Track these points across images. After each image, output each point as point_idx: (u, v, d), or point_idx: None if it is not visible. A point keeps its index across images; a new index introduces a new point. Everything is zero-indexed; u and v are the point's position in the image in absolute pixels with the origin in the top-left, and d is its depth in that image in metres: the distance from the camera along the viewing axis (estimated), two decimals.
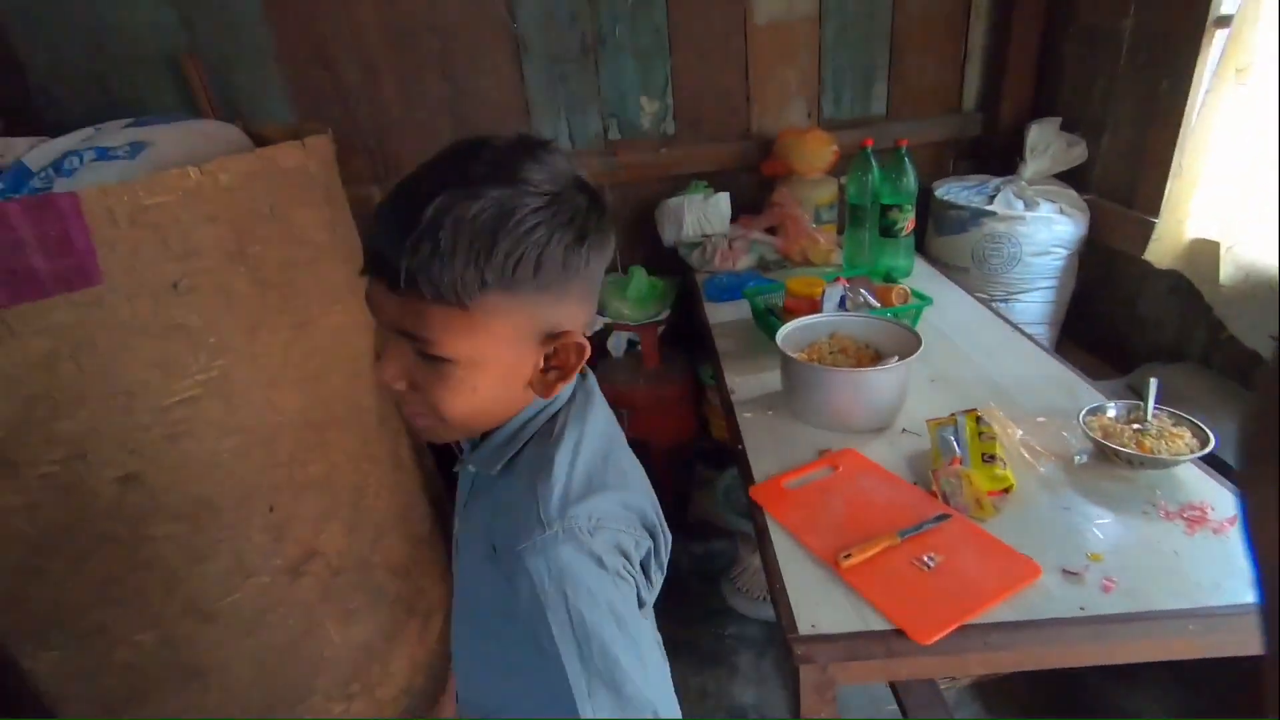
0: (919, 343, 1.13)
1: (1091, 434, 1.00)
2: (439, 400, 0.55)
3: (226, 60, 1.80)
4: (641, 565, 0.62)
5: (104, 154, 1.35)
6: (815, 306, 1.42)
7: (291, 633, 1.42)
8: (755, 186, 2.19)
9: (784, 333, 1.22)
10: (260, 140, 1.42)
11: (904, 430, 1.11)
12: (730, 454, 1.24)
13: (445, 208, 0.49)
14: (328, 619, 1.48)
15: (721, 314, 1.70)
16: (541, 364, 0.59)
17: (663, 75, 2.03)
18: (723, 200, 1.99)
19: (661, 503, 0.67)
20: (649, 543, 0.63)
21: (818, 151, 1.97)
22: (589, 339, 0.60)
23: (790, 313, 1.44)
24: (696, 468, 2.18)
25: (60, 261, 1.00)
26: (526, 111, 2.01)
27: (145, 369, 1.12)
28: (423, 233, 0.49)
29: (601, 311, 2.00)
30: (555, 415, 0.62)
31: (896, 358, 1.10)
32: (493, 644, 0.64)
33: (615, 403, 0.81)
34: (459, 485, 0.71)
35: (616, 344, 2.10)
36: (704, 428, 2.28)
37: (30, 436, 1.07)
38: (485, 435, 0.63)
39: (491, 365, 0.56)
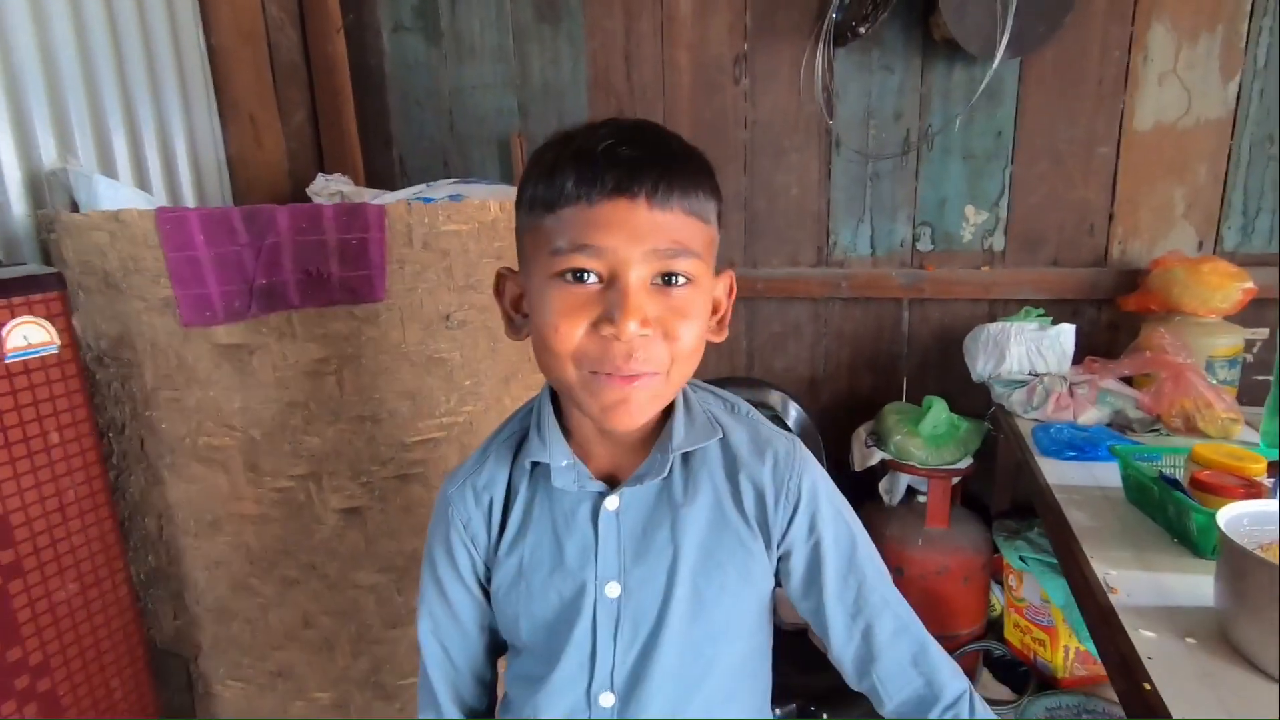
0: None
1: None
2: (680, 330, 0.53)
3: None
4: None
5: (427, 201, 1.42)
6: (1255, 490, 0.93)
7: None
8: (1105, 324, 1.72)
9: (1229, 516, 0.77)
10: None
11: None
12: (1137, 699, 0.78)
13: (680, 138, 0.56)
14: None
15: (1062, 474, 1.25)
16: (711, 305, 0.59)
17: (998, 183, 1.72)
18: (1066, 334, 1.56)
19: None
20: None
21: (1219, 287, 1.47)
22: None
23: (1206, 492, 0.96)
24: (979, 675, 1.62)
25: (352, 271, 0.98)
26: (826, 210, 1.82)
27: (398, 399, 1.05)
28: (682, 153, 0.54)
29: (880, 444, 1.64)
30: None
31: None
32: (730, 648, 0.62)
33: (883, 559, 0.68)
34: (600, 539, 0.59)
35: (893, 487, 1.70)
36: (992, 625, 1.72)
37: (281, 445, 1.03)
38: (662, 421, 0.60)
39: (705, 291, 0.56)
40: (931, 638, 0.62)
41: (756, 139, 1.81)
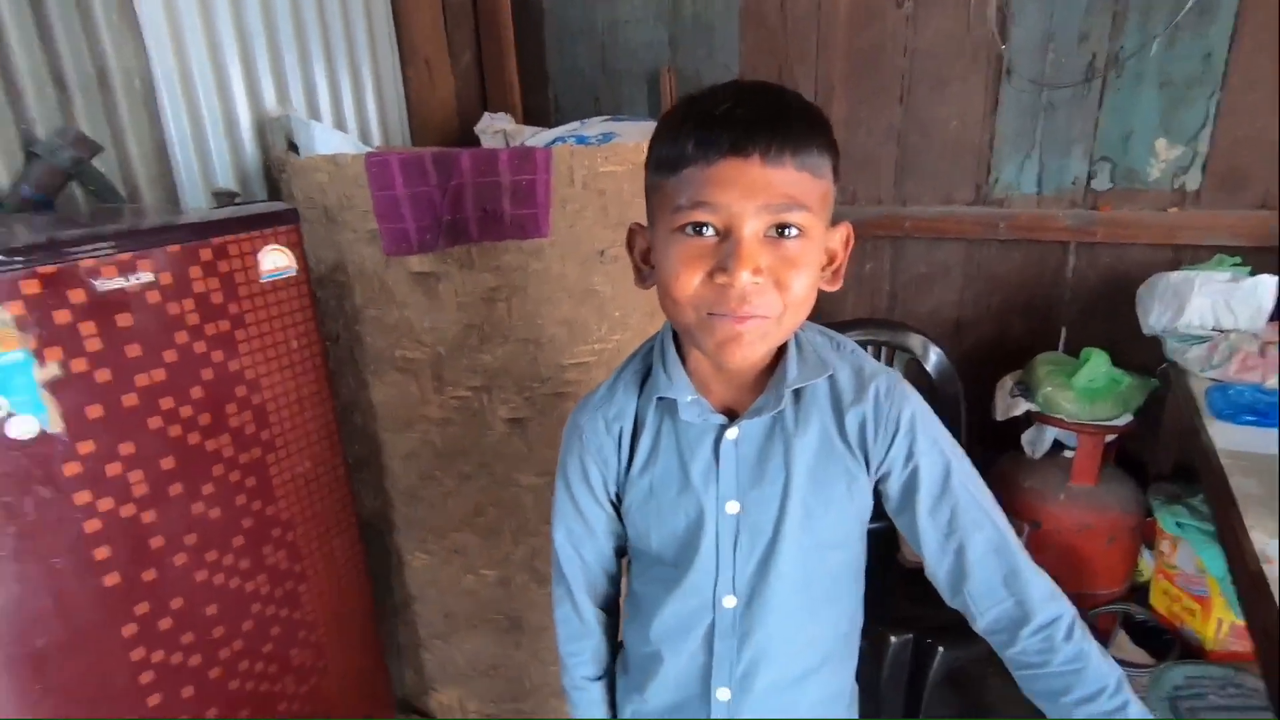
0: None
1: None
2: (791, 279, 0.57)
3: (698, 74, 1.92)
4: None
5: (582, 140, 1.51)
6: None
7: None
8: None
9: None
10: None
11: None
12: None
13: (798, 97, 0.58)
14: None
15: (1235, 439, 1.16)
16: (824, 257, 0.62)
17: (1200, 114, 1.52)
18: (1265, 286, 1.39)
19: None
20: None
21: None
22: None
23: None
24: (1114, 637, 1.58)
25: (522, 209, 1.09)
26: (989, 145, 1.71)
27: (556, 325, 1.17)
28: (797, 111, 0.57)
29: (1028, 395, 1.58)
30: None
31: None
32: (833, 555, 0.69)
33: (1016, 511, 0.77)
34: (721, 465, 0.66)
35: (1037, 439, 1.64)
36: (1137, 589, 1.65)
37: (460, 360, 1.19)
38: (775, 361, 0.66)
39: (817, 243, 0.59)
40: (1030, 563, 0.64)
41: (916, 68, 1.72)
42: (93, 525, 0.87)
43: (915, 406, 0.65)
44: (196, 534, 0.98)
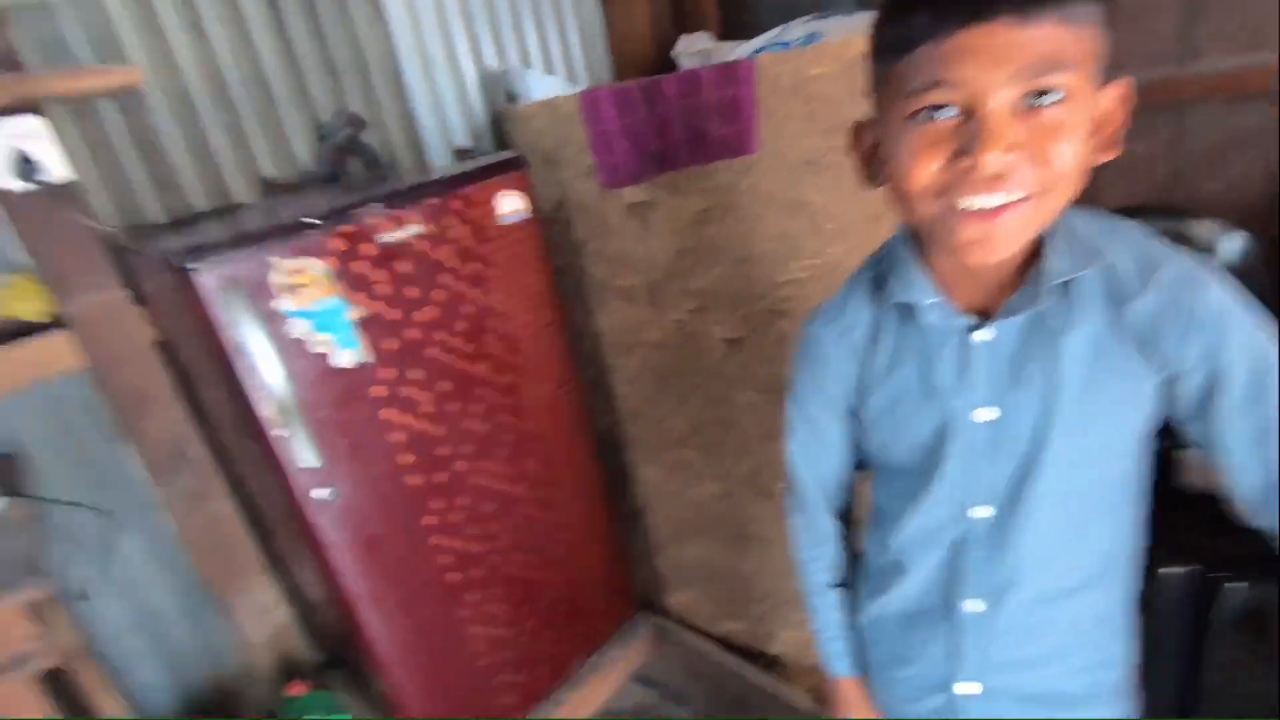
0: None
1: None
2: (1054, 152, 0.49)
3: None
4: None
5: (784, 45, 1.44)
6: None
7: None
8: None
9: None
10: None
11: None
12: None
13: None
14: None
15: None
16: (1093, 124, 0.53)
17: None
18: None
19: None
20: None
21: None
22: None
23: None
24: None
25: (727, 128, 1.08)
26: None
27: (768, 242, 1.16)
28: None
29: None
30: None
31: None
32: (1105, 467, 0.62)
33: None
34: (971, 370, 0.61)
35: None
36: None
37: (673, 284, 1.24)
38: (1036, 252, 0.58)
39: (1084, 106, 0.50)
40: None
41: None
42: (396, 436, 1.07)
43: (1218, 293, 0.55)
44: (471, 445, 1.16)
